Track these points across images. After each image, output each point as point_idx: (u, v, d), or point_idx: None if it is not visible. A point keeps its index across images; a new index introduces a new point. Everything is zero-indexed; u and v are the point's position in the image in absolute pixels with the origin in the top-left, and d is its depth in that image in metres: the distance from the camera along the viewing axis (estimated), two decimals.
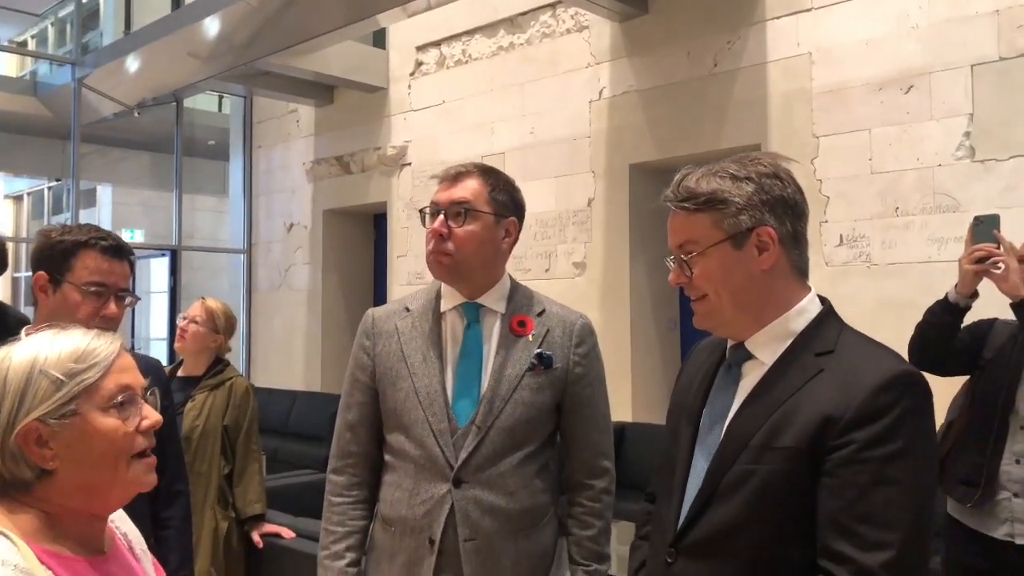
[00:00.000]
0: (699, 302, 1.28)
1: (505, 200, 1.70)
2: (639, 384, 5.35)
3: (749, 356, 1.27)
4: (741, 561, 1.17)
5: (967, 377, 2.42)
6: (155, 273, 8.59)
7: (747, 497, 1.17)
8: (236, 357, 8.40)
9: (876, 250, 4.43)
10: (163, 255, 8.46)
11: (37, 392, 0.99)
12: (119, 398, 1.03)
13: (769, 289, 1.24)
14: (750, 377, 1.26)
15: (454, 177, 1.69)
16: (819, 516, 1.12)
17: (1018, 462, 2.22)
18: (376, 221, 7.80)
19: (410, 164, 6.84)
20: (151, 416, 1.07)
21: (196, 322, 3.01)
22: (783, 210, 1.23)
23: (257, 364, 8.21)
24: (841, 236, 4.54)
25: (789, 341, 1.24)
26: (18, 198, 13.60)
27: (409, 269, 6.79)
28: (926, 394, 1.15)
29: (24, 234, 12.51)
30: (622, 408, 5.19)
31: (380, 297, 7.42)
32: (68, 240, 1.71)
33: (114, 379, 1.03)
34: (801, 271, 1.28)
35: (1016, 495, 2.21)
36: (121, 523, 1.18)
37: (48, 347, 1.02)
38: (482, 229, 1.65)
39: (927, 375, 1.23)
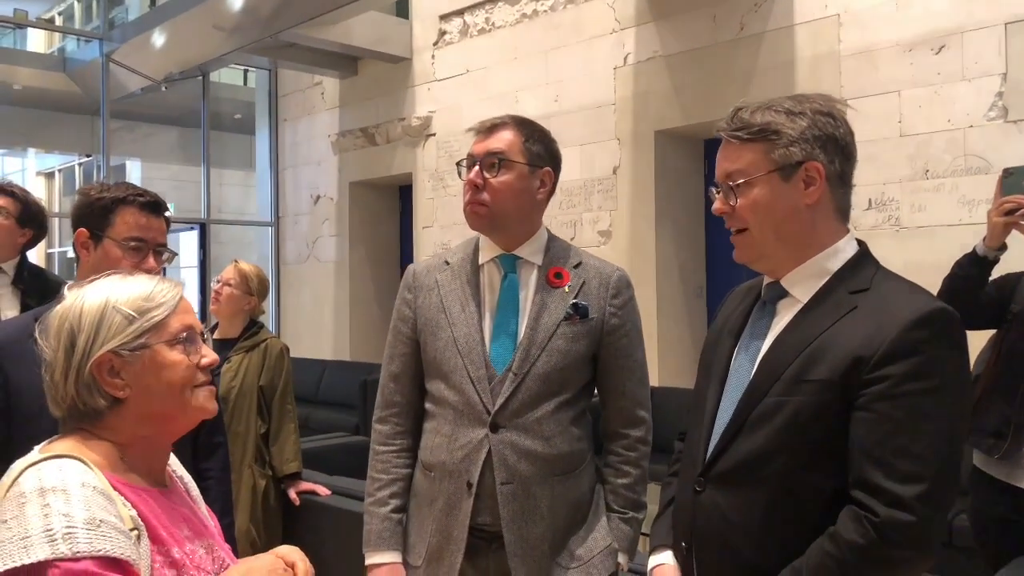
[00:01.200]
0: (739, 235, 1.30)
1: (540, 151, 1.72)
2: (666, 351, 5.37)
3: (784, 294, 1.30)
4: (768, 489, 1.20)
5: (994, 331, 2.42)
6: (184, 247, 8.70)
7: (776, 427, 1.19)
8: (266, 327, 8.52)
9: (905, 213, 4.40)
10: (192, 229, 8.57)
11: (111, 326, 1.07)
12: (183, 335, 1.11)
13: (811, 225, 1.26)
14: (784, 314, 1.29)
15: (489, 129, 1.72)
16: (852, 448, 1.15)
17: None
18: (402, 192, 7.84)
19: (434, 135, 6.86)
20: (210, 354, 1.15)
21: (230, 285, 3.07)
22: (833, 148, 1.25)
23: (287, 335, 8.32)
24: (870, 200, 4.51)
25: (825, 279, 1.26)
26: (50, 175, 13.80)
27: (435, 240, 6.83)
28: (960, 331, 1.17)
29: (56, 210, 12.70)
30: (648, 374, 5.21)
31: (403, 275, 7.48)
32: (107, 197, 1.77)
33: (179, 319, 1.11)
34: (843, 212, 1.30)
35: None
36: (177, 467, 1.24)
37: (118, 288, 1.10)
38: (517, 179, 1.68)
39: None
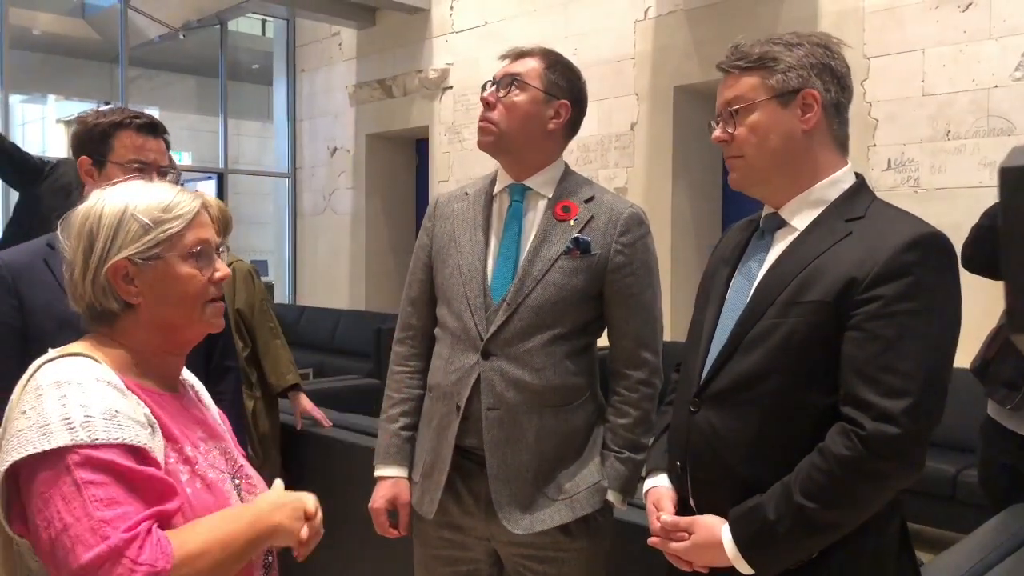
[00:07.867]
0: (736, 160, 1.32)
1: (559, 81, 1.72)
2: (678, 309, 5.37)
3: (782, 224, 1.32)
4: (762, 408, 1.23)
5: None
6: None
7: (771, 348, 1.22)
8: (282, 280, 8.61)
9: (925, 174, 4.36)
10: (209, 179, 8.61)
11: (128, 233, 1.09)
12: (197, 249, 1.13)
13: (807, 152, 1.29)
14: (781, 243, 1.31)
15: (516, 55, 1.75)
16: (844, 366, 1.18)
17: None
18: (418, 146, 7.82)
19: (451, 88, 6.82)
20: (222, 269, 1.17)
21: None
22: (830, 78, 1.29)
23: (304, 286, 8.40)
24: (889, 160, 4.47)
25: (821, 208, 1.29)
26: (70, 122, 13.81)
27: None
28: (950, 254, 1.20)
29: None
30: (661, 317, 5.22)
31: (422, 222, 7.50)
32: (104, 122, 1.79)
33: (194, 232, 1.13)
34: (841, 143, 1.32)
35: None
36: (189, 376, 1.28)
37: (138, 195, 1.12)
38: (528, 102, 1.69)
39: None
